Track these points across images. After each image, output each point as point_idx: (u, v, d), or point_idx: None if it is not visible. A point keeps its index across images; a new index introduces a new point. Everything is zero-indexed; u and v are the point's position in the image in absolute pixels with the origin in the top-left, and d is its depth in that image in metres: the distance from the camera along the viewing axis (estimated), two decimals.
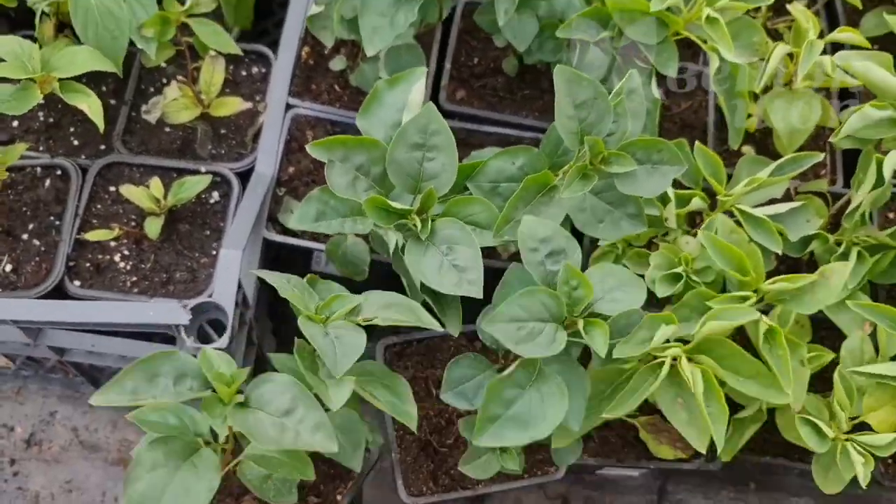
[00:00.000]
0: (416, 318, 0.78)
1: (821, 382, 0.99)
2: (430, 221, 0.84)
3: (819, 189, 1.14)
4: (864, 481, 0.89)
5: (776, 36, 1.34)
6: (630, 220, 0.91)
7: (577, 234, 1.07)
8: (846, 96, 1.26)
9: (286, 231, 1.10)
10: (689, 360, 0.83)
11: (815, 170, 1.28)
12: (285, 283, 0.79)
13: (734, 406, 1.02)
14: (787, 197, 1.11)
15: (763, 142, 1.23)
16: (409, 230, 0.85)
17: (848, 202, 1.05)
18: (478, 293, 0.81)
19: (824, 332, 1.09)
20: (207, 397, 0.72)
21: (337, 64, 1.20)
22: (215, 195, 1.13)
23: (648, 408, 1.06)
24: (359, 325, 0.76)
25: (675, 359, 0.82)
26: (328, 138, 0.84)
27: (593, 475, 1.22)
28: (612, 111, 0.86)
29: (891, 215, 1.23)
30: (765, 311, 0.89)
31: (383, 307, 0.78)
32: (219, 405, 0.72)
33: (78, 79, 1.04)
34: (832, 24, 1.35)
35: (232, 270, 0.97)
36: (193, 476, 0.71)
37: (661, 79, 1.27)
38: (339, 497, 0.92)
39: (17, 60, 1.01)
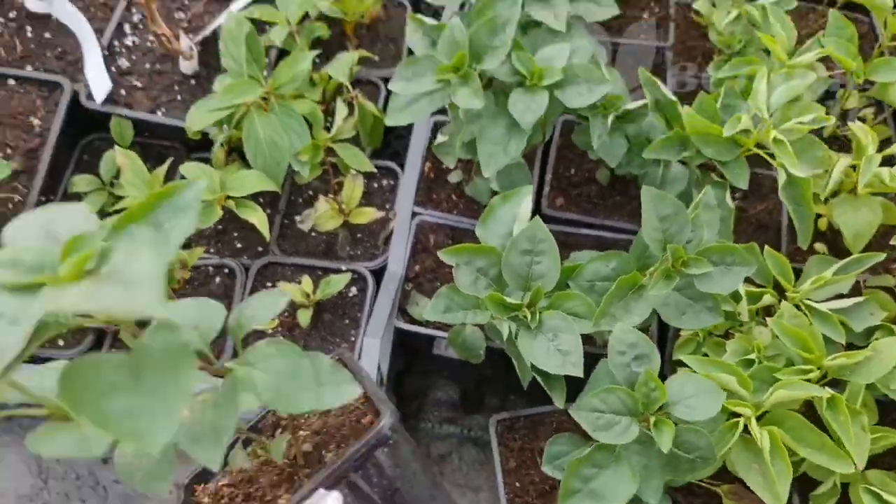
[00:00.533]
0: None
1: (891, 459, 1.10)
2: (538, 313, 1.02)
3: (885, 284, 1.27)
4: None
5: (846, 143, 1.49)
6: (708, 312, 1.07)
7: (664, 324, 1.24)
8: None
9: (413, 321, 1.30)
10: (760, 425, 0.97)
11: (886, 264, 1.40)
12: None
13: (812, 484, 1.14)
14: (856, 290, 1.24)
15: (834, 240, 1.36)
16: (520, 320, 1.03)
17: None
18: (579, 373, 0.98)
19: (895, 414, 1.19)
20: None
21: (454, 177, 1.41)
22: (353, 290, 1.35)
23: (729, 476, 1.19)
24: None
25: (746, 425, 0.96)
26: (456, 247, 1.04)
27: None
28: (689, 223, 1.03)
29: None
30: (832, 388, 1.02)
31: None
32: None
33: (245, 195, 1.29)
34: None
35: (372, 355, 1.17)
36: None
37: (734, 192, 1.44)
38: None
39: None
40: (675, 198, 1.15)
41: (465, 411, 1.49)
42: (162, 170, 1.23)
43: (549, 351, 1.00)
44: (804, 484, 1.16)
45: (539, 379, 1.04)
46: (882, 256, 1.14)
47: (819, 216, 1.38)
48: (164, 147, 1.48)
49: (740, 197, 1.43)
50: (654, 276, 1.03)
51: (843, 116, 1.53)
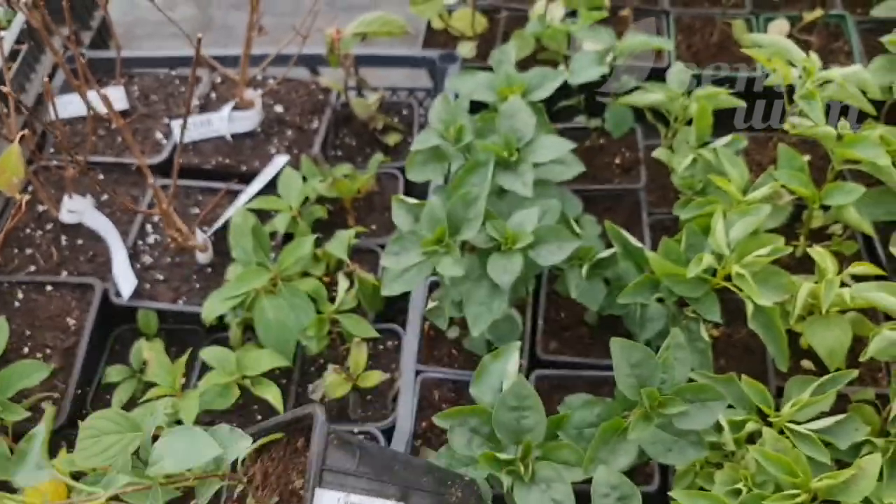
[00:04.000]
0: None
1: None
2: (530, 465, 1.09)
3: (867, 398, 1.32)
4: None
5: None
6: (692, 447, 1.13)
7: None
8: None
9: None
10: None
11: (872, 374, 1.46)
12: None
13: None
14: (844, 403, 1.29)
15: (818, 357, 1.43)
16: (515, 473, 1.10)
17: None
18: None
19: None
20: None
21: (452, 333, 1.52)
22: None
23: None
24: None
25: None
26: (449, 410, 1.13)
27: None
28: (660, 366, 1.11)
29: None
30: None
31: None
32: None
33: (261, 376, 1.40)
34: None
35: None
36: None
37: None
38: None
39: (221, 366, 1.38)
40: (652, 335, 1.24)
41: None
42: (182, 360, 1.35)
43: (544, 502, 1.07)
44: None
45: None
46: (854, 373, 1.20)
47: (800, 335, 1.45)
48: (186, 331, 1.61)
49: (725, 323, 1.51)
50: (633, 419, 1.10)
51: (813, 234, 1.62)
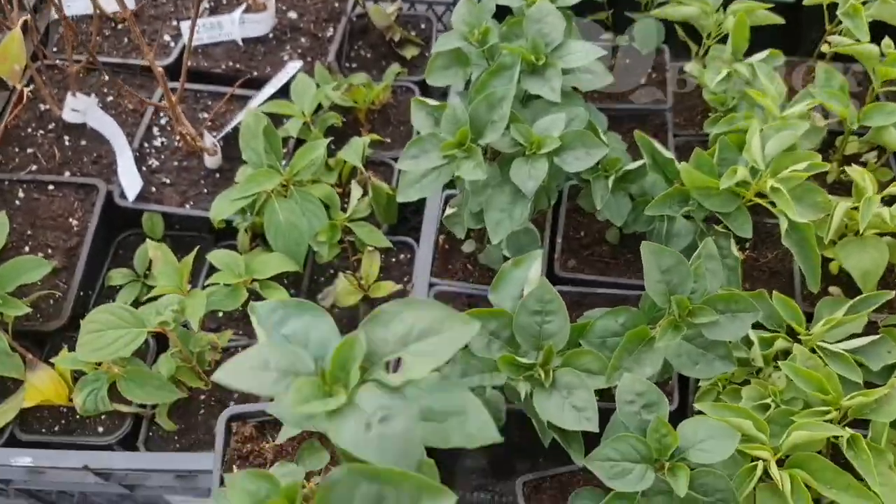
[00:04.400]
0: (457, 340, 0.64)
1: None
2: (551, 372, 1.05)
3: None
4: None
5: (850, 187, 1.52)
6: (721, 361, 1.09)
7: (685, 377, 1.26)
8: None
9: None
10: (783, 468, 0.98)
11: None
12: (253, 369, 0.60)
13: None
14: (872, 331, 1.24)
15: (848, 283, 1.37)
16: (534, 380, 1.06)
17: None
18: (594, 428, 1.00)
19: None
20: None
21: (467, 247, 1.46)
22: None
23: None
24: (391, 387, 0.61)
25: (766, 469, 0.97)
26: (468, 312, 1.08)
27: None
28: (692, 274, 1.06)
29: None
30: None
31: (408, 342, 0.63)
32: None
33: (269, 277, 1.35)
34: None
35: None
36: None
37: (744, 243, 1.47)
38: None
39: (229, 269, 1.33)
40: (678, 251, 1.19)
41: (496, 477, 1.50)
42: (189, 259, 1.30)
43: (564, 408, 1.02)
44: None
45: (557, 437, 1.06)
46: (890, 294, 1.15)
47: (830, 260, 1.40)
48: (193, 237, 1.55)
49: (751, 247, 1.46)
50: (661, 327, 1.06)
51: (846, 162, 1.56)
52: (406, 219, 1.61)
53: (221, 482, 1.14)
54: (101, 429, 1.37)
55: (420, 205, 1.52)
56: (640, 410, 0.99)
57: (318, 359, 0.58)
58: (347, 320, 1.45)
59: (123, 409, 1.35)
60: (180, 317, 1.20)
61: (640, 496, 0.97)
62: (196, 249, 1.34)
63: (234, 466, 1.15)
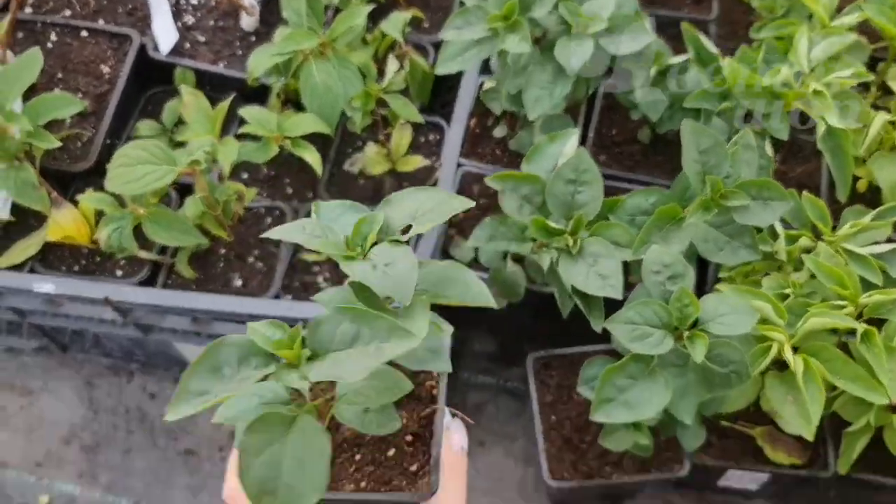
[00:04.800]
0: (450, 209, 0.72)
1: None
2: (579, 240, 1.06)
3: None
4: None
5: (887, 112, 1.51)
6: (746, 249, 1.10)
7: (702, 272, 1.27)
8: None
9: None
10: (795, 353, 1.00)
11: None
12: (301, 230, 0.70)
13: (844, 425, 1.16)
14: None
15: (873, 201, 1.38)
16: (562, 249, 1.07)
17: None
18: (618, 295, 1.02)
19: None
20: (278, 368, 0.65)
21: (499, 132, 1.46)
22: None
23: (763, 420, 1.21)
24: (399, 241, 0.69)
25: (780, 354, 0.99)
26: (503, 173, 1.09)
27: (716, 493, 1.35)
28: (729, 157, 1.07)
29: None
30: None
31: (416, 210, 0.71)
32: (292, 370, 0.65)
33: (301, 139, 1.35)
34: None
35: None
36: (302, 446, 0.66)
37: (779, 147, 1.47)
38: (435, 391, 0.82)
39: (260, 123, 1.33)
40: None
41: (503, 363, 1.53)
42: (224, 105, 1.29)
43: (590, 275, 1.04)
44: (837, 429, 1.18)
45: (579, 303, 1.07)
46: None
47: (858, 178, 1.40)
48: (224, 99, 1.54)
49: (780, 160, 1.46)
50: (693, 206, 1.06)
51: (884, 90, 1.55)
52: (437, 102, 1.60)
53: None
54: (119, 272, 1.38)
55: (454, 87, 1.52)
56: (665, 281, 1.01)
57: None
58: (372, 191, 1.45)
59: (143, 255, 1.36)
60: (210, 159, 1.20)
61: (656, 362, 0.99)
62: (232, 97, 1.33)
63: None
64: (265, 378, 0.65)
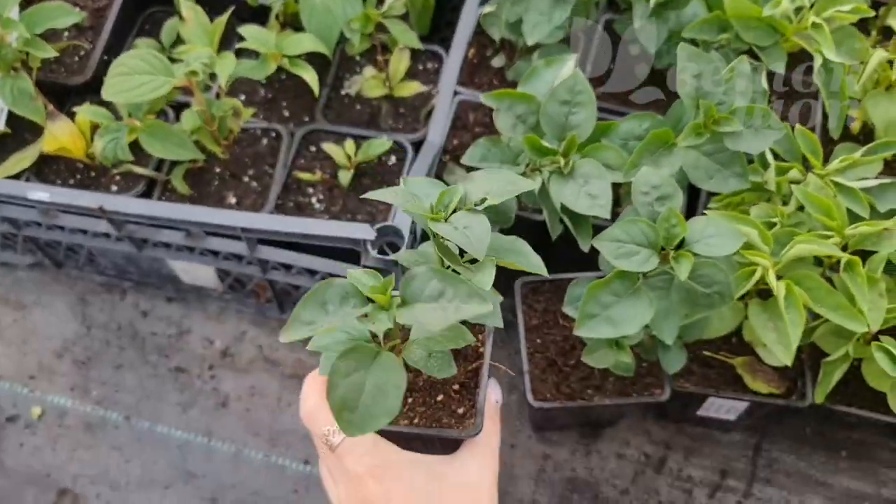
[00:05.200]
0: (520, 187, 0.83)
1: None
2: (571, 161, 1.07)
3: None
4: None
5: None
6: (736, 177, 1.11)
7: (692, 201, 1.28)
8: None
9: None
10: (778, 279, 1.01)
11: None
12: (394, 195, 0.82)
13: (823, 357, 1.18)
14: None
15: (866, 142, 1.38)
16: (553, 170, 1.08)
17: None
18: (606, 214, 1.03)
19: None
20: (371, 309, 0.77)
21: (497, 62, 1.46)
22: (393, 159, 1.40)
23: (746, 351, 1.23)
24: (475, 210, 0.80)
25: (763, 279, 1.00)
26: (498, 91, 1.09)
27: (694, 425, 1.38)
28: (723, 83, 1.07)
29: None
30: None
31: (489, 189, 0.83)
32: (382, 311, 0.77)
33: (299, 59, 1.35)
34: None
35: (406, 216, 1.22)
36: (382, 376, 0.77)
37: (773, 85, 1.47)
38: (481, 350, 0.96)
39: (258, 40, 1.33)
40: None
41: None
42: (223, 18, 1.29)
43: (580, 194, 1.05)
44: (816, 362, 1.20)
45: (568, 223, 1.08)
46: None
47: (852, 120, 1.41)
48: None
49: (775, 99, 1.46)
50: (684, 130, 1.07)
51: (884, 33, 1.55)
52: (439, 33, 1.60)
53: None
54: (115, 187, 1.39)
55: (453, 22, 1.51)
56: (653, 202, 1.01)
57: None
58: (368, 116, 1.45)
59: (138, 170, 1.37)
60: (208, 71, 1.20)
61: (641, 282, 1.00)
62: (231, 10, 1.33)
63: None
64: (365, 316, 0.76)
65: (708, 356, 1.24)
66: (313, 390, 0.90)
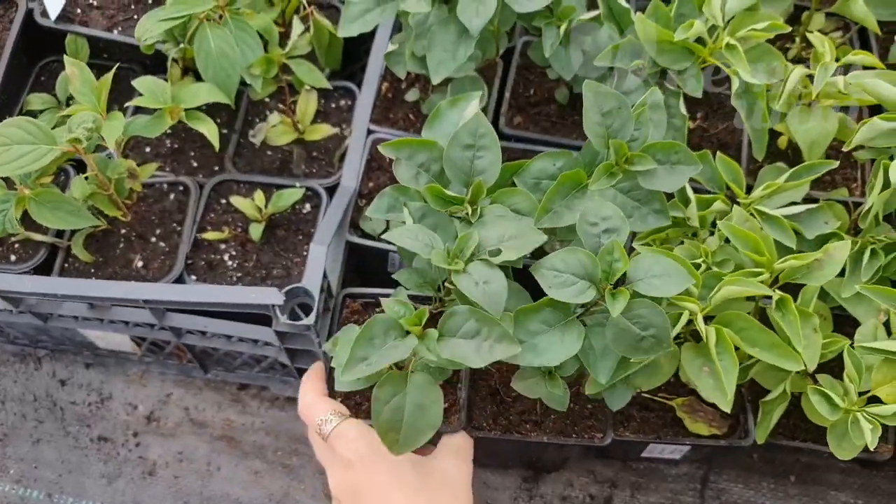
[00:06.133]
0: (532, 242, 0.94)
1: (839, 368, 1.08)
2: (479, 209, 1.01)
3: (842, 196, 1.25)
4: (871, 445, 0.98)
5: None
6: (655, 215, 1.06)
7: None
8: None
9: (365, 235, 1.29)
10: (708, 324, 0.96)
11: (847, 184, 1.39)
12: (413, 238, 0.94)
13: (763, 392, 1.13)
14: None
15: (795, 159, 1.35)
16: (462, 218, 1.02)
17: None
18: (517, 265, 0.97)
19: (849, 328, 1.17)
20: (419, 344, 0.88)
21: (411, 95, 1.40)
22: (307, 206, 1.33)
23: (686, 390, 1.18)
24: (491, 263, 0.90)
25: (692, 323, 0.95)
26: (397, 140, 1.02)
27: (640, 462, 1.33)
28: (633, 119, 1.01)
29: None
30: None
31: (503, 233, 0.95)
32: (426, 350, 0.88)
33: (199, 110, 1.28)
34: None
35: (318, 262, 1.16)
36: (419, 395, 0.92)
37: (699, 104, 1.42)
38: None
39: (153, 95, 1.25)
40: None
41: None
42: (108, 77, 1.21)
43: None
44: (757, 396, 1.16)
45: None
46: (834, 164, 1.12)
47: (779, 135, 1.37)
48: (121, 70, 1.45)
49: (702, 117, 1.42)
50: (596, 171, 1.01)
51: (808, 41, 1.51)
52: (352, 72, 1.53)
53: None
54: (13, 257, 1.31)
55: (366, 52, 1.45)
56: (600, 234, 0.94)
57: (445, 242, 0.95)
58: (280, 164, 1.38)
59: (37, 237, 1.29)
60: (95, 136, 1.13)
61: (580, 312, 0.93)
62: (115, 67, 1.24)
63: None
64: (413, 354, 0.89)
65: (647, 398, 1.19)
66: (309, 388, 1.05)
